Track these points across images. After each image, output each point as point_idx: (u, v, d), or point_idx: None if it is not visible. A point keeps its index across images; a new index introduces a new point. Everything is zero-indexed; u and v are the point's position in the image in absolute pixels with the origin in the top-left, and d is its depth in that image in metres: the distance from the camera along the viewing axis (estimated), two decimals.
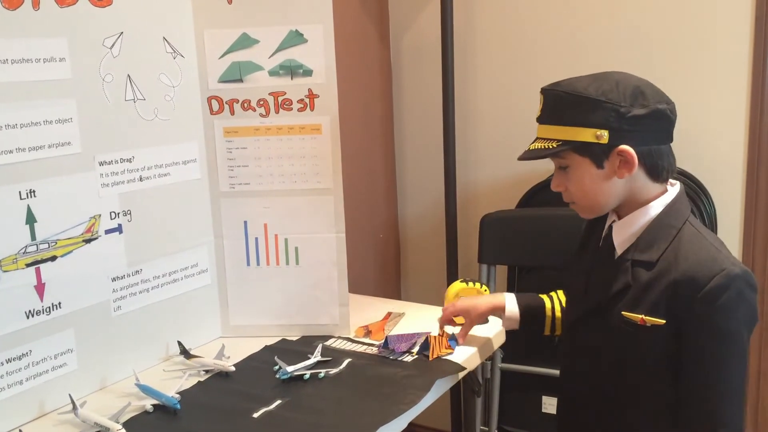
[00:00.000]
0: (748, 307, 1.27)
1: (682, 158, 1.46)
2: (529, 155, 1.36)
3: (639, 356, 1.33)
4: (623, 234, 1.36)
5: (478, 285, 1.72)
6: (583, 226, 1.54)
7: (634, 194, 1.34)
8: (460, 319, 1.64)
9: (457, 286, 1.72)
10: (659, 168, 1.32)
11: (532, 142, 1.37)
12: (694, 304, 1.25)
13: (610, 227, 1.40)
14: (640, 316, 1.30)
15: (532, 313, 1.59)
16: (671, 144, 1.34)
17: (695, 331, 1.27)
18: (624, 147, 1.28)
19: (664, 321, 1.28)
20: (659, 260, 1.30)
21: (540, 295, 1.63)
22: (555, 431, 1.57)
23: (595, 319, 1.38)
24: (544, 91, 1.35)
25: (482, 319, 1.63)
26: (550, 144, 1.33)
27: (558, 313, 1.58)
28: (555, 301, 1.60)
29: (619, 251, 1.37)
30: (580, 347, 1.45)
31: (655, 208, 1.34)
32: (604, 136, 1.28)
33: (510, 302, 1.59)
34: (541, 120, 1.37)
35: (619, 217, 1.38)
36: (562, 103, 1.31)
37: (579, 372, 1.46)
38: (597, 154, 1.30)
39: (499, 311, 1.60)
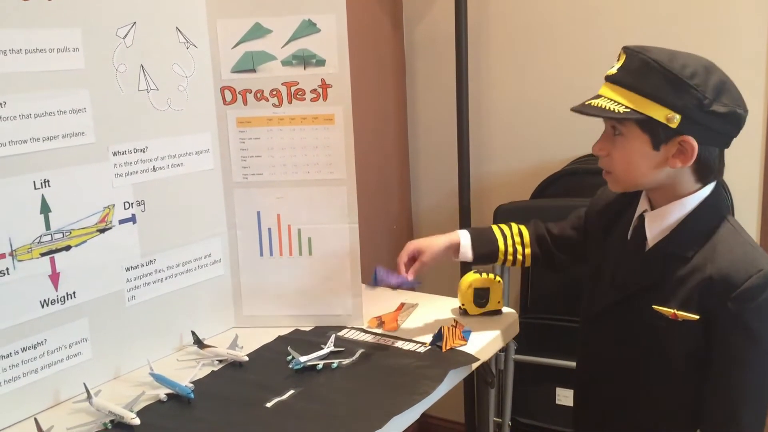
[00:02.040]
0: None
1: None
2: (590, 111, 1.26)
3: (666, 351, 1.31)
4: (657, 226, 1.32)
5: (491, 275, 1.71)
6: (586, 210, 1.52)
7: (674, 185, 1.29)
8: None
9: (471, 276, 1.72)
10: (709, 169, 1.27)
11: (594, 98, 1.28)
12: (728, 303, 1.22)
13: (641, 218, 1.35)
14: (672, 310, 1.27)
15: (484, 256, 1.62)
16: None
17: (726, 329, 1.24)
18: (689, 138, 1.22)
19: (697, 316, 1.25)
20: (694, 255, 1.26)
21: (495, 231, 1.63)
22: (569, 423, 1.56)
23: (622, 311, 1.36)
24: (629, 52, 1.26)
25: (438, 256, 1.61)
26: (617, 107, 1.24)
27: (510, 254, 1.61)
28: (508, 241, 1.61)
29: (650, 243, 1.33)
30: (603, 339, 1.43)
31: (692, 201, 1.29)
32: (675, 119, 1.21)
33: (464, 243, 1.60)
34: (614, 79, 1.27)
35: (652, 207, 1.34)
36: (647, 70, 1.22)
37: (600, 363, 1.45)
38: (658, 135, 1.23)
39: (454, 249, 1.61)
